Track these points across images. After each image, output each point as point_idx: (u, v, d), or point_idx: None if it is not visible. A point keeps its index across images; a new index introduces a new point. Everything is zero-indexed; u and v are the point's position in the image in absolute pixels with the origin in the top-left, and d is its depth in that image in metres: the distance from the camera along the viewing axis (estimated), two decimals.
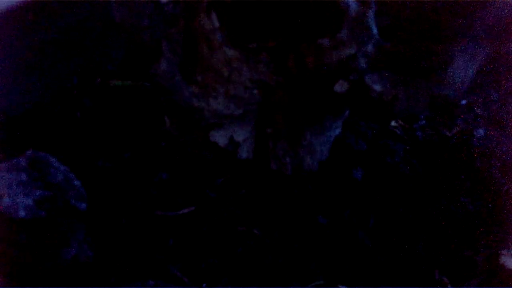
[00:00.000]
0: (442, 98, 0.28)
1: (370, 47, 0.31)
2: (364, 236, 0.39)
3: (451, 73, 0.28)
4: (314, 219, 0.39)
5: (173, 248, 0.35)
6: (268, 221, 0.38)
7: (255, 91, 0.36)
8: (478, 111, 0.49)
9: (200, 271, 0.34)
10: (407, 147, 0.45)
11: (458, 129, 0.47)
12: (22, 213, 0.30)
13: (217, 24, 0.32)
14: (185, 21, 0.34)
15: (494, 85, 0.53)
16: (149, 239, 0.36)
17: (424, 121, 0.47)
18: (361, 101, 0.31)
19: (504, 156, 0.45)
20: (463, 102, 0.50)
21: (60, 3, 0.58)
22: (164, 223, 0.37)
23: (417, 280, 0.37)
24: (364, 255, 0.38)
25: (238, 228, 0.36)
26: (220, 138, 0.41)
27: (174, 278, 0.33)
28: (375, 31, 0.33)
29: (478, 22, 0.26)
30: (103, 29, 0.61)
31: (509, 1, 0.25)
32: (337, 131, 0.43)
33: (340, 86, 0.31)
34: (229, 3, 0.32)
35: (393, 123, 0.46)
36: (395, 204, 0.41)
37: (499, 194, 0.42)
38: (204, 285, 0.33)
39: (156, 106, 0.48)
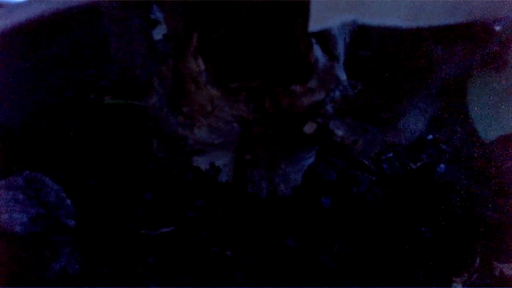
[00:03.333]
0: (395, 145, 0.33)
1: (337, 94, 0.35)
2: (328, 259, 0.42)
3: (403, 125, 0.32)
4: (284, 242, 0.43)
5: (152, 265, 0.39)
6: (241, 243, 0.42)
7: (235, 125, 0.40)
8: (443, 147, 0.54)
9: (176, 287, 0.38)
10: (374, 178, 0.49)
11: (422, 163, 0.51)
12: (18, 228, 0.34)
13: (202, 66, 0.35)
14: (175, 61, 0.37)
15: (460, 122, 0.58)
16: (131, 256, 0.39)
17: (391, 154, 0.51)
18: (326, 142, 0.35)
19: (462, 191, 0.49)
20: (430, 137, 0.54)
21: (61, 23, 0.61)
22: (146, 241, 0.40)
23: None
24: (328, 277, 0.41)
25: (212, 249, 0.40)
26: (202, 163, 0.45)
27: None
28: (343, 77, 0.37)
29: (430, 82, 0.30)
30: (100, 47, 0.65)
31: (452, 66, 0.29)
32: (310, 160, 0.47)
33: (308, 127, 0.35)
34: (214, 49, 0.36)
35: None
36: (358, 231, 0.44)
37: (456, 226, 0.46)
38: None
39: (145, 127, 0.52)
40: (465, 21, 0.24)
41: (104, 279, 0.37)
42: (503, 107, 0.29)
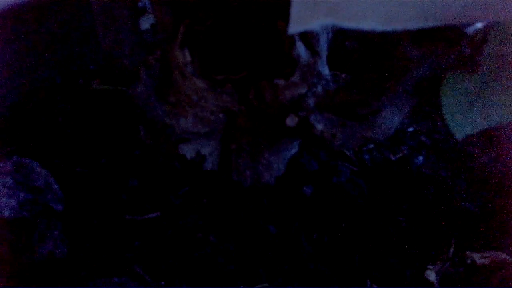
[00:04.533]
0: (372, 140, 0.34)
1: (319, 88, 0.37)
2: (308, 246, 0.44)
3: (380, 121, 0.33)
4: (266, 228, 0.45)
5: (138, 249, 0.40)
6: (225, 229, 0.43)
7: (221, 115, 0.41)
8: (423, 139, 0.55)
9: (160, 271, 0.39)
10: (355, 169, 0.50)
11: (401, 154, 0.53)
12: (6, 212, 0.35)
13: (189, 58, 0.36)
14: (162, 51, 0.38)
15: (441, 115, 0.59)
16: (118, 240, 0.40)
17: (372, 145, 0.53)
18: (307, 135, 0.36)
19: (439, 183, 0.51)
20: (410, 129, 0.56)
21: (49, 7, 0.61)
22: (132, 226, 0.42)
23: (351, 286, 0.42)
24: (307, 262, 0.43)
25: (197, 234, 0.41)
26: (188, 151, 0.46)
27: (137, 276, 0.38)
28: (326, 72, 0.38)
29: (406, 81, 0.31)
30: (90, 32, 0.65)
31: (427, 67, 0.30)
32: (294, 151, 0.49)
33: (290, 120, 0.36)
34: (200, 41, 0.36)
35: None
36: (338, 219, 0.46)
37: (432, 216, 0.48)
38: (162, 283, 0.38)
39: (133, 114, 0.53)
40: (438, 25, 0.25)
41: (91, 262, 0.39)
42: (475, 107, 0.30)
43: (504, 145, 0.55)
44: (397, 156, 0.52)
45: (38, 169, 0.38)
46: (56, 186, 0.39)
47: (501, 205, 0.50)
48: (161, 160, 0.47)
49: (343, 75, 0.51)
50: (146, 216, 0.42)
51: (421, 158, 0.52)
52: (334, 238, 0.45)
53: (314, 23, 0.24)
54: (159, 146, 0.46)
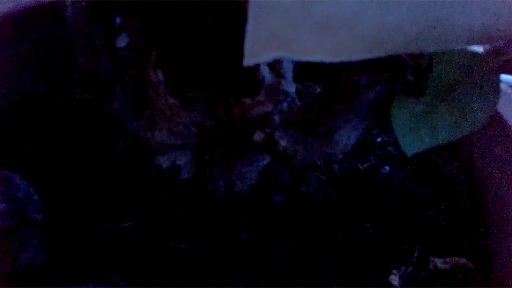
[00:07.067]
0: (331, 155, 0.37)
1: (285, 106, 0.39)
2: (278, 252, 0.46)
3: (337, 138, 0.36)
4: (237, 236, 0.47)
5: (113, 256, 0.42)
6: (198, 237, 0.46)
7: (193, 129, 0.43)
8: (390, 149, 0.58)
9: (135, 277, 0.41)
10: (324, 178, 0.53)
11: (369, 164, 0.55)
12: None
13: (161, 78, 0.39)
14: (137, 70, 0.40)
15: None
16: (94, 248, 0.43)
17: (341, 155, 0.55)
18: (272, 150, 0.38)
19: (404, 190, 0.53)
20: (378, 140, 0.59)
21: (31, 16, 0.63)
22: (108, 234, 0.44)
23: None
24: (276, 268, 0.45)
25: (170, 242, 0.44)
26: (163, 161, 0.49)
27: (113, 282, 0.40)
28: (292, 90, 0.41)
29: (358, 103, 0.34)
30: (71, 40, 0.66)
31: (377, 91, 0.33)
32: (266, 161, 0.51)
33: (257, 136, 0.39)
34: (173, 61, 0.39)
35: None
36: (307, 226, 0.49)
37: (397, 223, 0.51)
38: None
39: (111, 125, 0.55)
40: (383, 56, 0.28)
41: (69, 269, 0.41)
42: (422, 127, 0.33)
43: (468, 156, 0.58)
44: (365, 165, 0.55)
45: (18, 181, 0.41)
46: (35, 197, 0.41)
47: (463, 212, 0.53)
48: (137, 170, 0.49)
49: (316, 87, 0.54)
50: (122, 225, 0.44)
51: (387, 167, 0.55)
52: (303, 245, 0.47)
53: (267, 57, 0.26)
54: (135, 157, 0.48)
